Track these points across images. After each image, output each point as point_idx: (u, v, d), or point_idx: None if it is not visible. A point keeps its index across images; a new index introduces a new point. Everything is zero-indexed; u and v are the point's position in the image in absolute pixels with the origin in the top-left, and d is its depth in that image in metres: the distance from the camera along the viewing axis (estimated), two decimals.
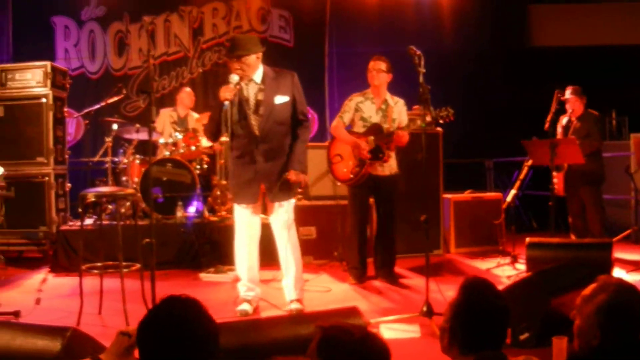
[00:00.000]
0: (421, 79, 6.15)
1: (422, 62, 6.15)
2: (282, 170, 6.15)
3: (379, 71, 7.55)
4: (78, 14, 12.65)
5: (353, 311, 4.45)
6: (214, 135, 6.47)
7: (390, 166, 7.61)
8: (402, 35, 11.88)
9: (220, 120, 6.10)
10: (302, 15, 13.03)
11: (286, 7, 13.06)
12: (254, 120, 6.15)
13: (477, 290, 3.15)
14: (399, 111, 7.66)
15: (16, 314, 5.99)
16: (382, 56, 7.67)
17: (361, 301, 6.83)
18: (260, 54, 6.20)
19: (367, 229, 7.99)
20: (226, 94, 5.99)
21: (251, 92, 6.20)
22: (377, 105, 7.61)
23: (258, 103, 6.17)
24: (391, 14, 12.45)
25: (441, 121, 6.87)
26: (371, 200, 7.88)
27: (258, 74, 6.21)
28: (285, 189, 6.20)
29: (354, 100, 7.72)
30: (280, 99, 6.17)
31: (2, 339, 3.66)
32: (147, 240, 5.40)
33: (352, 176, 7.53)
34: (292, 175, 6.11)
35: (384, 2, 12.58)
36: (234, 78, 6.04)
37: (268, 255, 6.73)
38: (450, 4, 12.77)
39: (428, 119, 6.57)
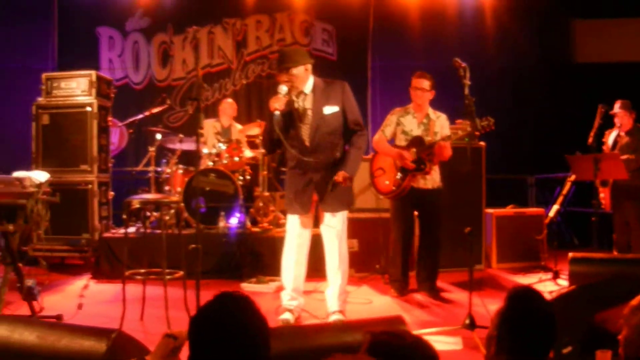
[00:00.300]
0: (466, 90, 6.11)
1: (468, 74, 6.12)
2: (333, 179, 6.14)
3: (423, 90, 7.51)
4: (122, 25, 12.80)
5: (398, 320, 4.40)
6: (269, 146, 6.54)
7: (433, 180, 7.55)
8: (445, 49, 11.73)
9: (272, 131, 6.12)
10: (345, 29, 12.98)
11: (329, 21, 13.03)
12: (304, 131, 6.16)
13: (525, 298, 3.13)
14: (441, 125, 7.60)
15: (58, 317, 5.99)
16: (425, 73, 7.60)
17: (403, 314, 6.67)
18: (308, 66, 6.20)
19: (411, 243, 7.93)
20: (275, 104, 6.01)
21: (301, 103, 6.20)
22: (418, 120, 7.57)
23: (307, 114, 6.17)
24: (434, 28, 12.37)
25: (482, 131, 6.79)
26: (415, 213, 7.83)
27: (308, 86, 6.20)
28: (336, 195, 6.17)
29: (396, 114, 7.70)
30: (330, 109, 6.15)
31: (48, 339, 3.67)
32: (193, 245, 5.39)
33: (394, 188, 7.49)
34: (339, 176, 6.07)
35: (427, 16, 12.49)
36: (283, 89, 6.04)
37: (311, 267, 6.68)
38: (494, 20, 12.64)
39: (469, 129, 6.54)
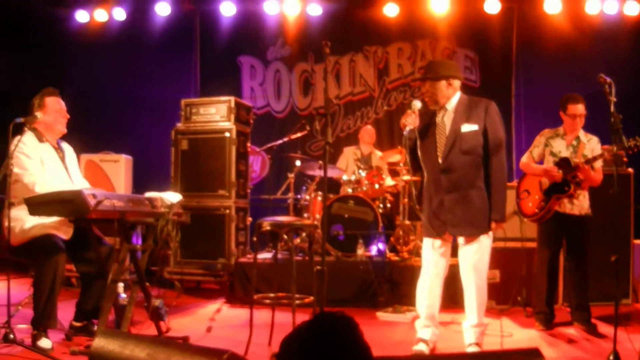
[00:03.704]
0: (612, 108, 5.69)
1: (613, 91, 5.72)
2: (467, 204, 5.80)
3: (581, 116, 7.12)
4: (264, 54, 13.03)
5: (534, 352, 4.03)
6: (413, 165, 6.24)
7: (580, 206, 7.12)
8: (591, 75, 11.26)
9: (407, 148, 5.93)
10: (488, 56, 12.71)
11: (472, 48, 12.80)
12: (439, 147, 5.88)
13: None
14: (592, 148, 7.13)
15: (185, 339, 5.94)
16: (579, 96, 7.15)
17: (546, 348, 6.32)
18: (452, 81, 5.89)
19: (557, 271, 7.48)
20: (404, 119, 5.80)
21: (440, 118, 5.94)
22: (567, 142, 7.19)
23: (445, 130, 5.89)
24: (580, 55, 11.81)
25: (630, 151, 6.35)
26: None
27: (452, 102, 5.92)
28: (470, 217, 5.80)
29: (545, 135, 7.36)
30: (468, 127, 5.81)
31: (158, 357, 3.53)
32: (319, 267, 5.17)
33: (537, 211, 7.12)
34: (494, 229, 5.82)
35: (572, 42, 11.99)
36: (417, 104, 5.83)
37: (449, 298, 6.40)
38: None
39: (620, 151, 6.13)
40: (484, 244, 5.88)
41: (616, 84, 5.85)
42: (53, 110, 6.28)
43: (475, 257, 5.85)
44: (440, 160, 5.84)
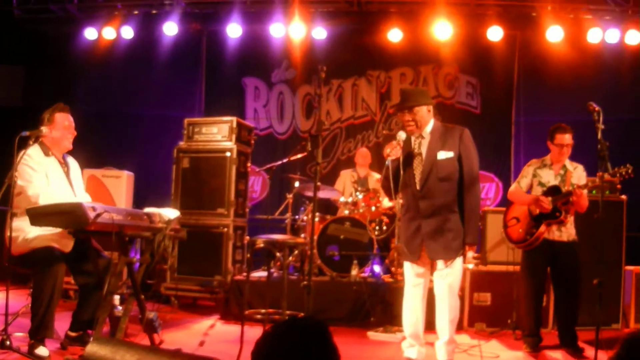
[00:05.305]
0: (599, 135, 5.86)
1: (601, 119, 5.89)
2: (443, 229, 6.00)
3: (568, 146, 7.31)
4: (268, 76, 13.20)
5: None
6: (386, 191, 6.40)
7: (568, 232, 7.28)
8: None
9: (387, 176, 6.06)
10: (490, 83, 12.83)
11: (474, 74, 12.92)
12: (416, 175, 6.05)
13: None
14: (578, 176, 7.31)
15: (176, 351, 6.02)
16: (566, 126, 7.36)
17: None
18: (430, 107, 6.13)
19: (542, 298, 7.63)
20: (387, 150, 5.97)
21: (417, 146, 6.11)
22: (555, 171, 7.37)
23: (421, 157, 6.06)
24: (582, 83, 11.92)
25: (620, 178, 6.60)
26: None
27: (427, 129, 6.12)
28: (445, 242, 6.00)
29: (532, 165, 7.55)
30: (444, 155, 6.01)
31: None
32: (305, 282, 5.32)
33: (527, 237, 7.26)
34: (467, 252, 6.08)
35: (574, 71, 12.09)
36: (401, 135, 6.00)
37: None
38: None
39: (607, 177, 6.30)
40: (458, 265, 6.12)
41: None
42: (61, 125, 6.42)
43: (450, 278, 6.08)
44: (418, 187, 6.01)
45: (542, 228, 7.18)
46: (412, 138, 6.13)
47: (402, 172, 6.07)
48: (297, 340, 2.47)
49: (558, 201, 7.10)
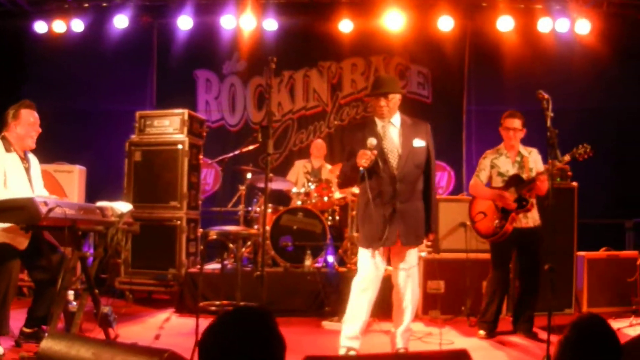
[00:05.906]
0: (549, 122, 5.97)
1: (550, 106, 6.01)
2: (415, 215, 6.09)
3: (515, 130, 7.46)
4: (220, 68, 13.19)
5: (462, 354, 4.27)
6: (344, 186, 6.58)
7: (533, 218, 7.44)
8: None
9: (354, 183, 6.24)
10: (441, 72, 13.01)
11: (425, 64, 13.07)
12: (393, 161, 6.04)
13: (589, 326, 3.02)
14: (534, 160, 7.50)
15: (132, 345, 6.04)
16: (516, 112, 7.57)
17: (485, 352, 6.76)
18: (400, 97, 6.21)
19: (509, 287, 7.87)
20: (362, 160, 5.83)
21: (386, 131, 6.14)
22: (512, 159, 7.50)
23: (397, 144, 6.08)
24: (532, 72, 12.04)
25: (581, 158, 6.74)
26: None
27: (396, 118, 6.19)
28: (416, 229, 6.10)
29: (489, 157, 7.65)
30: (418, 143, 6.10)
31: (103, 356, 3.70)
32: (258, 272, 5.37)
33: (498, 230, 7.35)
34: (430, 239, 6.30)
35: (525, 60, 12.25)
36: (372, 141, 5.89)
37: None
38: (591, 61, 12.23)
39: (567, 158, 6.58)
40: (417, 252, 6.27)
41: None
42: (27, 122, 6.37)
43: (414, 263, 6.18)
44: (395, 172, 6.00)
45: (511, 220, 7.30)
46: (378, 124, 6.17)
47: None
48: (241, 329, 2.53)
49: (521, 190, 7.23)
